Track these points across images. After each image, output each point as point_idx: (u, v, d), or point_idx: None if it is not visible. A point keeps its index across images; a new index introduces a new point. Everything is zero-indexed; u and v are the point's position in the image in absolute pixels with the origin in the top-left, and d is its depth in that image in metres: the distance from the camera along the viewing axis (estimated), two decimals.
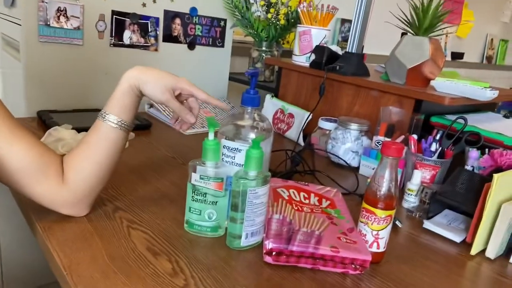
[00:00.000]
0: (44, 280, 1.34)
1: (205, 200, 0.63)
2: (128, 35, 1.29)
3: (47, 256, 0.59)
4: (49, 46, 1.14)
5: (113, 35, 1.25)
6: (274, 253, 0.58)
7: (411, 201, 0.86)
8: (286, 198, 0.71)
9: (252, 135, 0.65)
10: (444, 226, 0.77)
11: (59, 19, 1.13)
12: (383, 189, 0.61)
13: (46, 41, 1.13)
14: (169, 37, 1.39)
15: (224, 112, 1.44)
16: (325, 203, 0.72)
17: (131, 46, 1.30)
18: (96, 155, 0.64)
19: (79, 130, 0.97)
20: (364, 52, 1.22)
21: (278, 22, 1.47)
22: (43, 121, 1.09)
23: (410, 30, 1.08)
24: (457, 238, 0.74)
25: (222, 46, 1.53)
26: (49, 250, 0.57)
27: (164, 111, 1.28)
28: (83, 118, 1.17)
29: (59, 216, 0.64)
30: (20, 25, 1.10)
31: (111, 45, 1.26)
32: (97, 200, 0.71)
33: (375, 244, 0.62)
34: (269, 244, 0.58)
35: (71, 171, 0.63)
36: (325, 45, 1.27)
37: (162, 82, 0.66)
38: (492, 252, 0.68)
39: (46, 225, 0.62)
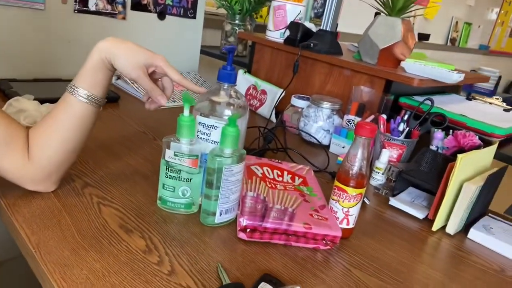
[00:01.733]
0: (2, 256, 1.30)
1: (179, 177, 0.62)
2: (94, 1, 1.22)
3: (13, 233, 0.57)
4: (8, 9, 1.06)
5: (78, 0, 1.18)
6: (248, 230, 0.59)
7: (378, 179, 0.89)
8: (260, 175, 0.72)
9: (228, 112, 0.64)
10: (408, 203, 0.80)
11: None
12: (355, 168, 0.62)
13: (5, 4, 1.04)
14: (138, 5, 1.32)
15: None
16: (297, 181, 0.73)
17: (97, 13, 1.23)
18: (63, 131, 0.61)
19: (41, 100, 0.92)
20: (337, 30, 1.22)
21: None
22: (3, 91, 1.03)
23: (384, 10, 1.09)
24: (420, 215, 0.78)
25: (194, 17, 1.48)
26: (15, 227, 0.55)
27: (133, 83, 1.24)
28: (45, 88, 1.11)
29: (24, 192, 0.62)
30: None
31: (75, 11, 1.19)
32: (65, 176, 0.68)
33: (345, 221, 0.65)
34: (244, 221, 0.58)
35: (37, 147, 0.60)
36: (299, 21, 1.25)
37: (135, 57, 0.62)
38: (452, 228, 0.73)
39: (11, 201, 0.60)
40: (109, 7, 1.26)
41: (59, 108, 0.61)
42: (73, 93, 0.61)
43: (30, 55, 1.15)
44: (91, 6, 1.22)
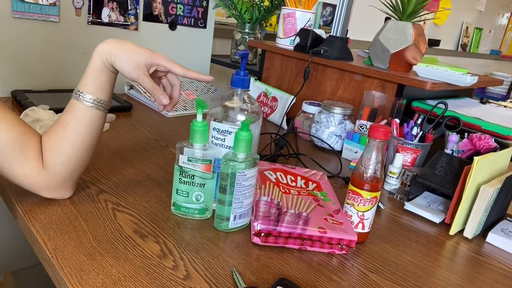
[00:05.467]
0: (19, 265, 1.31)
1: (192, 182, 0.63)
2: (106, 13, 1.24)
3: (30, 239, 0.57)
4: (24, 22, 1.08)
5: (91, 12, 1.21)
6: (262, 234, 0.59)
7: (392, 183, 0.88)
8: (274, 180, 0.71)
9: (242, 117, 0.64)
10: (424, 208, 0.79)
11: None
12: (370, 171, 0.62)
13: (20, 17, 1.07)
14: (150, 16, 1.35)
15: (207, 94, 1.42)
16: (311, 186, 0.73)
17: (110, 24, 1.26)
18: (73, 136, 0.61)
19: (56, 110, 0.94)
20: (347, 36, 1.22)
21: (262, 4, 1.45)
22: (18, 102, 1.05)
23: (394, 15, 1.09)
24: (437, 219, 0.76)
25: (204, 27, 1.50)
26: (32, 233, 0.56)
27: (145, 92, 1.26)
28: (60, 99, 1.13)
29: (41, 199, 0.63)
30: None
31: (89, 23, 1.21)
32: (80, 183, 0.69)
33: (360, 225, 0.64)
34: (258, 226, 0.58)
35: (50, 153, 0.60)
36: (309, 28, 1.26)
37: (135, 57, 0.62)
38: (470, 232, 0.71)
39: (28, 208, 0.61)
40: (121, 18, 1.28)
41: (67, 114, 0.62)
42: (79, 98, 0.61)
43: (45, 66, 1.17)
44: (104, 18, 1.24)
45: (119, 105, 1.15)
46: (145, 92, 1.26)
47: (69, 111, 0.62)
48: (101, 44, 0.62)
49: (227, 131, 0.63)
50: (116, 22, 1.27)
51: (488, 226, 0.74)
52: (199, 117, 0.61)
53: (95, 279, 0.48)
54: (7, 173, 0.58)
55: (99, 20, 1.23)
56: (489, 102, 1.23)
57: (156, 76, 0.67)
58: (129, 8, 1.29)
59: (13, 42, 1.09)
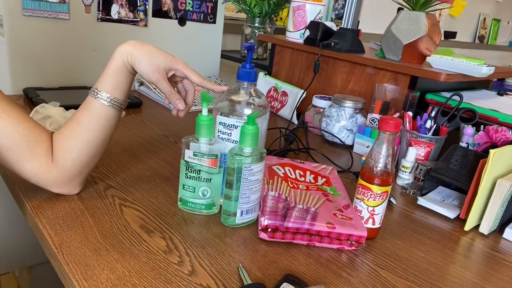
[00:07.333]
0: (34, 260, 1.33)
1: (199, 177, 0.62)
2: (116, 10, 1.24)
3: (37, 235, 0.57)
4: (34, 20, 1.09)
5: (101, 9, 1.21)
6: (269, 229, 0.57)
7: (405, 178, 0.86)
8: (282, 175, 0.70)
9: (248, 111, 0.63)
10: (438, 203, 0.77)
11: None
12: (380, 165, 0.60)
13: (31, 15, 1.08)
14: (159, 12, 1.34)
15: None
16: (320, 181, 0.71)
17: (120, 21, 1.26)
18: (86, 133, 0.61)
19: (67, 107, 0.94)
20: (359, 28, 1.19)
21: None
22: (30, 99, 1.06)
23: (407, 5, 1.06)
24: (451, 214, 0.74)
25: (214, 22, 1.49)
26: (39, 228, 0.56)
27: (155, 89, 1.25)
28: (71, 96, 1.13)
29: (49, 195, 0.63)
30: None
31: (99, 20, 1.22)
32: (88, 179, 0.69)
33: (370, 220, 0.62)
34: (265, 221, 0.57)
35: (61, 150, 0.60)
36: (319, 21, 1.24)
37: (156, 61, 0.63)
38: (486, 227, 0.69)
39: (36, 204, 0.61)
40: (131, 14, 1.28)
41: (82, 111, 0.62)
42: (96, 96, 0.62)
43: (56, 64, 1.18)
44: (114, 15, 1.24)
45: (129, 102, 1.15)
46: (155, 89, 1.25)
47: (84, 108, 0.62)
48: (123, 44, 0.63)
49: (234, 125, 0.62)
50: (125, 18, 1.27)
51: (505, 222, 0.71)
52: (205, 111, 0.60)
53: (100, 275, 0.48)
54: (16, 169, 0.59)
55: (109, 17, 1.23)
56: (507, 94, 1.19)
57: (172, 80, 0.68)
58: (138, 4, 1.28)
59: (24, 40, 1.10)
